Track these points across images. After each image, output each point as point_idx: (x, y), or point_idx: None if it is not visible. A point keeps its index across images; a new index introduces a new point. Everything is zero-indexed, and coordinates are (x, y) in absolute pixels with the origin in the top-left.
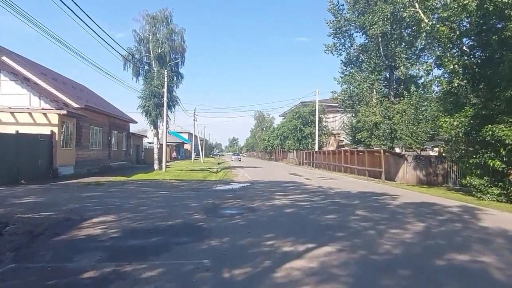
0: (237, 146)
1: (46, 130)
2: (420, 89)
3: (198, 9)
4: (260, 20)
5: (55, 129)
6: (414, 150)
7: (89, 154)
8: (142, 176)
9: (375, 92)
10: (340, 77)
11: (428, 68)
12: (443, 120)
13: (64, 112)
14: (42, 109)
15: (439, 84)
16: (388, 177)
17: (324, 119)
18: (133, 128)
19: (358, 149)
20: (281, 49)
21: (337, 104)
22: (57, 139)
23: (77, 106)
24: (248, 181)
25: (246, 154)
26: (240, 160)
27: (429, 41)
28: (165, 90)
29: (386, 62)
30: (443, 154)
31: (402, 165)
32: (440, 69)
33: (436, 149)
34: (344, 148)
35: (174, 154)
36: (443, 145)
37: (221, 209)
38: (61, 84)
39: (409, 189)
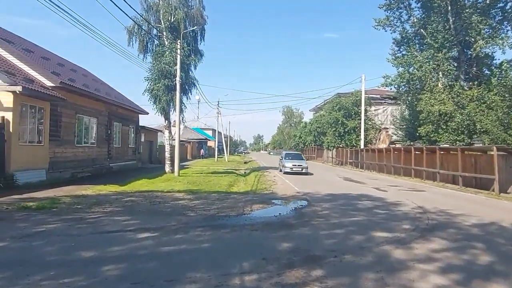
0: (262, 143)
1: None
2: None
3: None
4: (286, 15)
5: (9, 115)
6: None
7: (75, 152)
8: (143, 184)
9: (441, 75)
10: (392, 59)
11: None
12: None
13: (19, 88)
14: None
15: None
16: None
17: (368, 112)
18: (150, 123)
19: (441, 146)
20: (309, 44)
21: (379, 96)
22: (12, 129)
23: (51, 84)
24: (298, 195)
25: (273, 152)
26: (304, 171)
27: None
28: (177, 67)
29: (457, 37)
30: None
31: None
32: None
33: None
34: (398, 145)
35: (202, 151)
36: None
37: None
38: (35, 57)
39: None
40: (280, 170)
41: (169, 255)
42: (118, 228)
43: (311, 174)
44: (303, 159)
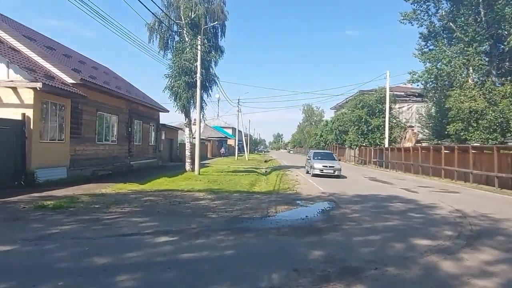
0: (282, 142)
1: (16, 114)
2: None
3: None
4: (306, 13)
5: (30, 112)
6: None
7: (96, 149)
8: (163, 183)
9: (471, 70)
10: (419, 54)
11: None
12: None
13: (39, 85)
14: (11, 81)
15: None
16: None
17: (392, 110)
18: (171, 121)
19: (473, 145)
20: (328, 42)
21: (403, 93)
22: (32, 126)
23: (72, 81)
24: (324, 196)
25: (293, 150)
26: (336, 174)
27: None
28: (198, 63)
29: (489, 30)
30: None
31: None
32: None
33: None
34: (425, 144)
35: (223, 150)
36: None
37: None
38: (56, 54)
39: None
40: (307, 172)
41: (189, 263)
42: (135, 231)
43: (344, 177)
44: (335, 159)
